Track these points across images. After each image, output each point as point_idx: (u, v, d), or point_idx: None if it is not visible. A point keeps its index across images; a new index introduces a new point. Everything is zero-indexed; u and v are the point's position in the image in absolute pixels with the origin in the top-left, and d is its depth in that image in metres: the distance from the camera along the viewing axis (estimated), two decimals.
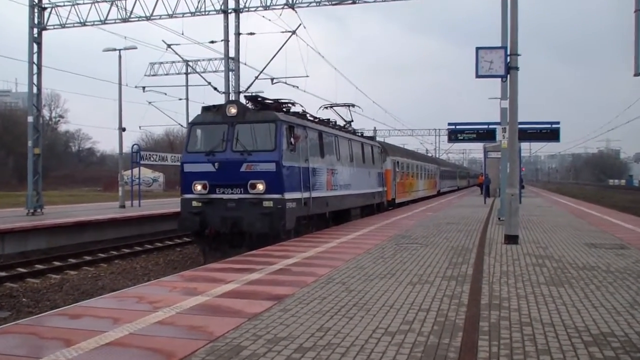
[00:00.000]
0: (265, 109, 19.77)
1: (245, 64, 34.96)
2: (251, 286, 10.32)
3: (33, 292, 16.54)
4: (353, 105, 30.77)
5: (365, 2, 31.64)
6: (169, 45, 20.29)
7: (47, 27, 35.13)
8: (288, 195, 18.51)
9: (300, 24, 27.81)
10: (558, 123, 31.80)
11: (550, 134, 31.75)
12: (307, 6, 32.06)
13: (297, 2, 32.02)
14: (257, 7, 32.70)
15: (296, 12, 32.29)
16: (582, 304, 8.78)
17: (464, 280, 10.72)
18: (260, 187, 18.17)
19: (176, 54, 20.18)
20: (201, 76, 15.51)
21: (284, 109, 20.79)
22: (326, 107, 29.80)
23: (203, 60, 46.53)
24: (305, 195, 20.02)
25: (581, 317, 7.96)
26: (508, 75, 16.97)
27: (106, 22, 34.40)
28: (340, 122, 29.68)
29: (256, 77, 22.69)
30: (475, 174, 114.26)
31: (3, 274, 18.51)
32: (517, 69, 16.80)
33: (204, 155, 18.94)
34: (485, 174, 46.91)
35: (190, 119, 21.69)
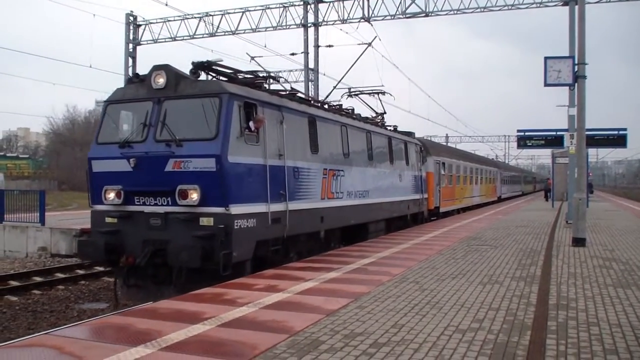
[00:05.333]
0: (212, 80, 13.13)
1: (324, 75, 35.25)
2: (329, 284, 10.37)
3: None
4: (383, 93, 24.03)
5: (437, 14, 31.54)
6: (252, 58, 20.35)
7: (142, 43, 36.14)
8: (238, 209, 11.76)
9: (375, 37, 27.70)
10: (625, 129, 31.10)
11: (618, 139, 31.13)
12: (382, 19, 32.26)
13: (373, 15, 32.14)
14: (335, 20, 33.00)
15: (371, 24, 32.46)
16: None
17: (533, 281, 10.55)
18: (194, 195, 11.64)
19: (259, 65, 20.37)
20: (282, 86, 15.58)
21: (255, 84, 13.83)
22: (350, 95, 23.78)
23: (284, 71, 47.04)
24: (276, 207, 13.22)
25: None
26: (576, 84, 16.67)
27: (194, 36, 35.29)
28: (366, 114, 23.22)
29: (334, 87, 22.21)
30: (541, 178, 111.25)
31: None
32: (584, 77, 16.48)
33: (117, 147, 12.44)
34: (547, 178, 46.15)
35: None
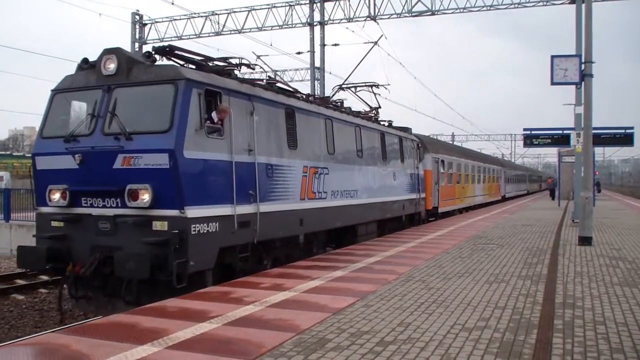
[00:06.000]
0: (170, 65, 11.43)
1: (330, 73, 35.27)
2: (335, 283, 10.38)
3: None
4: (377, 86, 22.79)
5: (444, 13, 31.54)
6: (258, 57, 20.31)
7: (148, 42, 36.23)
8: (196, 211, 10.38)
9: (381, 35, 27.71)
10: (632, 128, 31.03)
11: (624, 138, 31.06)
12: (389, 18, 32.35)
13: (379, 14, 32.15)
14: (341, 19, 33.07)
15: (377, 23, 32.54)
16: None
17: (539, 280, 10.53)
18: (145, 196, 10.20)
19: (265, 64, 20.41)
20: (288, 85, 15.46)
21: (225, 71, 12.45)
22: (342, 88, 22.71)
23: (290, 70, 47.07)
24: (245, 209, 11.69)
25: None
26: (582, 82, 16.64)
27: (201, 35, 35.41)
28: (360, 108, 21.83)
29: (340, 86, 22.06)
30: (547, 177, 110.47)
31: None
32: (591, 76, 16.45)
33: (62, 141, 10.91)
34: (551, 177, 45.96)
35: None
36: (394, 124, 23.82)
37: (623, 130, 31.05)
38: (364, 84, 22.82)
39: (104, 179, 10.48)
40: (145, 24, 36.58)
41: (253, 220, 11.99)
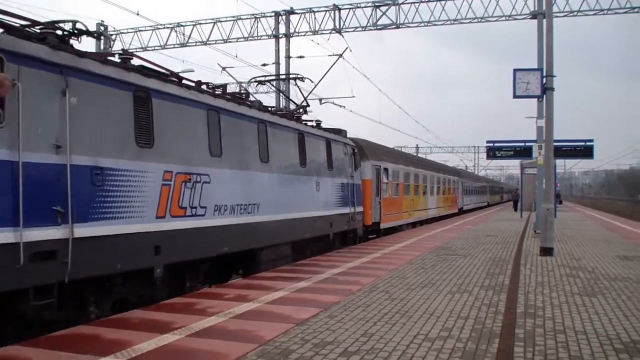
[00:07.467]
0: None
1: (296, 85, 35.28)
2: (299, 294, 10.37)
3: None
4: (302, 79, 19.87)
5: (408, 26, 31.79)
6: (223, 68, 20.25)
7: (113, 53, 35.95)
8: None
9: (346, 48, 27.93)
10: (592, 140, 31.53)
11: (584, 151, 31.54)
12: (354, 31, 32.47)
13: (344, 27, 32.32)
14: (306, 31, 33.13)
15: (342, 36, 32.65)
16: (613, 314, 8.67)
17: (501, 290, 10.63)
18: None
19: (230, 76, 20.35)
20: (253, 97, 15.42)
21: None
22: (259, 82, 20.22)
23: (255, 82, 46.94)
24: (43, 234, 8.07)
25: (612, 326, 7.86)
26: (544, 96, 16.89)
27: (166, 47, 35.16)
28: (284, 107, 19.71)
29: (305, 98, 21.97)
30: (509, 189, 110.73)
31: None
32: (552, 89, 16.69)
33: None
34: (515, 189, 46.35)
35: None
36: (315, 123, 20.16)
37: (583, 143, 31.51)
38: (285, 76, 20.77)
39: None
40: (111, 35, 36.30)
41: (62, 250, 8.33)
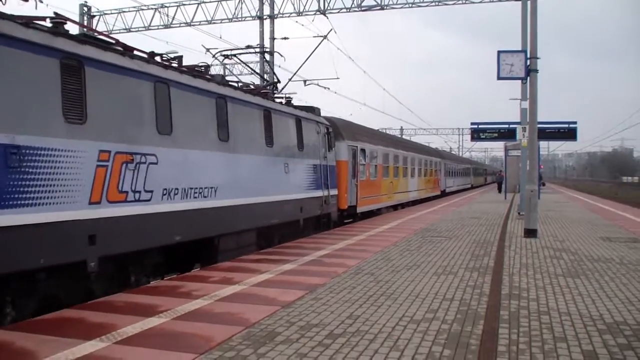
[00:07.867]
0: None
1: (279, 67, 35.16)
2: (285, 276, 10.36)
3: None
4: (271, 53, 19.36)
5: (393, 7, 31.72)
6: (207, 49, 20.15)
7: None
8: None
9: (331, 29, 27.82)
10: (575, 123, 31.68)
11: (568, 133, 31.67)
12: (338, 12, 32.38)
13: (328, 8, 32.20)
14: (291, 13, 32.99)
15: (327, 17, 32.54)
16: (596, 294, 8.73)
17: (486, 272, 10.68)
18: None
19: (214, 57, 20.17)
20: (238, 78, 15.28)
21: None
22: (226, 56, 19.37)
23: (239, 63, 46.72)
24: None
25: (596, 307, 7.92)
26: (528, 77, 16.90)
27: (150, 28, 34.99)
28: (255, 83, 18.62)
29: (289, 79, 21.76)
30: (493, 171, 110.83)
31: None
32: (536, 71, 16.70)
33: None
34: (499, 171, 46.37)
35: None
36: (285, 99, 19.21)
37: (567, 125, 31.63)
38: (253, 51, 19.60)
39: None
40: (94, 16, 35.87)
41: None
